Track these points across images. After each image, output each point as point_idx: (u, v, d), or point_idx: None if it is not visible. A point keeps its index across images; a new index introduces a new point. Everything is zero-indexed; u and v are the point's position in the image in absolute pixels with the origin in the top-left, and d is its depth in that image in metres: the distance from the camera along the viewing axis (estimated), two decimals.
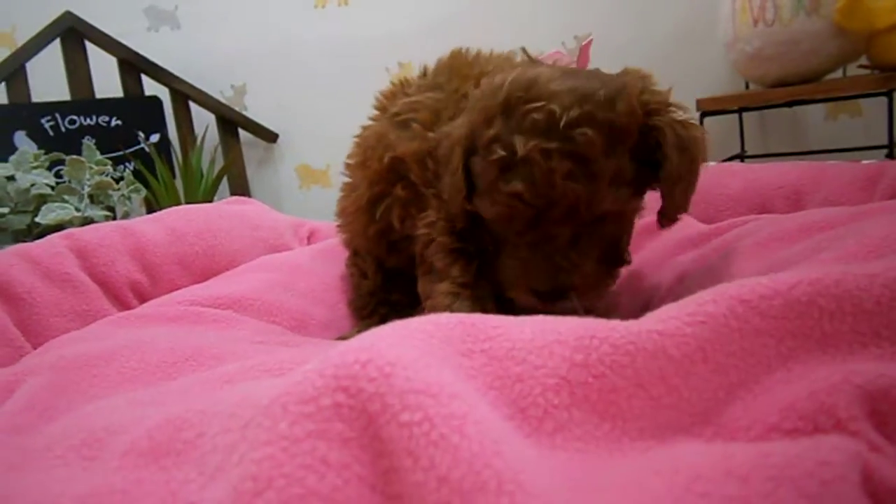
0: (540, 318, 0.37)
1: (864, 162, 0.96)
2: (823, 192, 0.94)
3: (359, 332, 0.84)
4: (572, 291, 0.60)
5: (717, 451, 0.27)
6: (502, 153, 0.58)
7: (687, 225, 1.00)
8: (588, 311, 0.59)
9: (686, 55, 1.99)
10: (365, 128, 0.91)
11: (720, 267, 0.71)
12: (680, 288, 0.75)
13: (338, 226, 1.00)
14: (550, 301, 0.60)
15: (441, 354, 0.32)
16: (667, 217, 0.66)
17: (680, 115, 0.64)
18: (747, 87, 1.77)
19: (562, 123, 0.56)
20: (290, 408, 0.28)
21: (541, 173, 0.57)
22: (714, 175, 1.12)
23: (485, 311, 0.69)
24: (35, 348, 0.85)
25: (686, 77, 1.97)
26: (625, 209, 0.64)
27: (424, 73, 0.88)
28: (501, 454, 0.24)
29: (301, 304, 0.97)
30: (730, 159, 1.80)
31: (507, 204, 0.59)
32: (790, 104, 1.50)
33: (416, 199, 0.78)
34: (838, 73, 1.57)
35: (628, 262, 0.72)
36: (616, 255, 0.67)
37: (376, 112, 0.91)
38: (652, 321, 0.34)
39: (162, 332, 0.80)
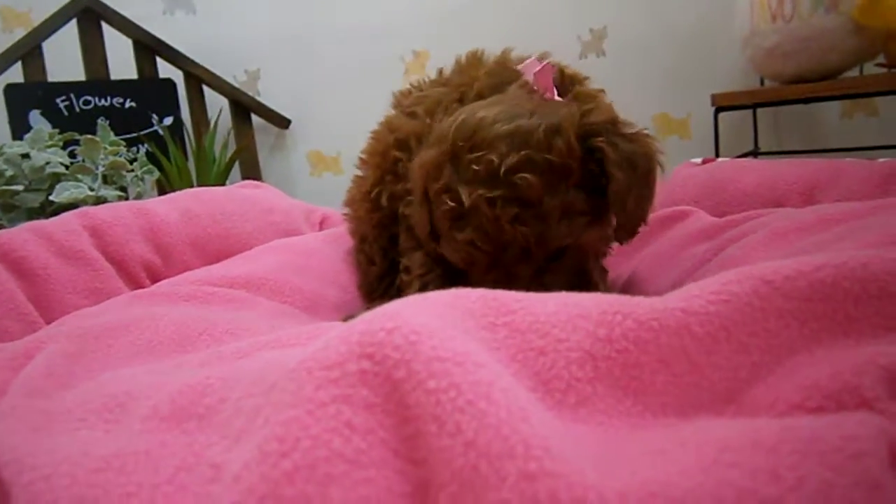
0: (562, 293, 0.37)
1: (880, 160, 0.96)
2: (838, 189, 0.93)
3: (364, 309, 0.86)
4: None
5: (742, 426, 0.27)
6: (452, 204, 0.60)
7: (700, 218, 1.00)
8: None
9: (701, 50, 1.98)
10: (380, 123, 0.93)
11: (736, 256, 0.70)
12: (695, 278, 0.75)
13: (344, 215, 1.01)
14: None
15: (463, 326, 0.33)
16: (624, 230, 0.67)
17: (626, 129, 0.65)
18: (762, 83, 1.76)
19: (502, 171, 0.58)
20: (316, 373, 0.28)
21: (488, 221, 0.59)
22: (727, 170, 1.11)
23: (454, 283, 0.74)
24: (48, 323, 0.87)
25: (701, 72, 1.97)
26: (583, 240, 0.63)
27: (439, 74, 0.91)
28: (529, 420, 0.24)
29: (313, 286, 0.97)
30: (743, 156, 1.79)
31: (463, 251, 0.62)
32: (806, 101, 1.49)
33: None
34: (855, 71, 1.56)
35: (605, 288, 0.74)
36: (586, 284, 0.67)
37: (392, 110, 0.93)
38: (675, 299, 0.34)
39: (175, 308, 0.81)
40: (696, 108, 1.96)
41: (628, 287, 0.93)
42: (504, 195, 0.58)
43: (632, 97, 2.06)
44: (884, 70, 1.49)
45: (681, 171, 1.23)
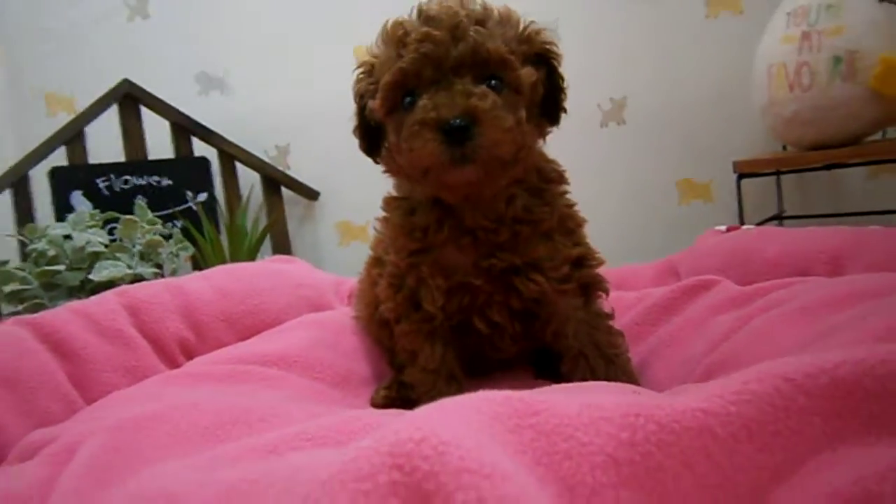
0: (583, 389, 0.38)
1: None
2: (865, 258, 0.93)
3: (391, 381, 0.89)
4: (479, 124, 0.62)
5: None
6: (405, 17, 0.68)
7: (726, 288, 1.00)
8: None
9: (721, 116, 2.01)
10: None
11: (763, 330, 0.70)
12: (721, 350, 0.75)
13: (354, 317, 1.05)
14: (459, 142, 0.62)
15: (490, 431, 0.34)
16: (556, 108, 0.75)
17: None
18: (784, 147, 1.77)
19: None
20: (349, 485, 0.29)
21: (447, 16, 0.65)
22: (752, 240, 1.12)
23: (460, 388, 0.76)
24: (87, 403, 0.89)
25: (722, 138, 2.00)
26: (519, 75, 0.67)
27: None
28: None
29: (343, 361, 0.99)
30: (768, 220, 1.78)
31: (415, 50, 0.64)
32: (829, 168, 1.49)
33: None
34: (878, 134, 1.57)
35: (561, 178, 0.79)
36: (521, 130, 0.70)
37: None
38: (696, 398, 0.35)
39: (210, 391, 0.83)
40: (719, 173, 1.97)
41: (656, 357, 0.92)
42: (461, 6, 0.66)
43: (653, 164, 2.12)
44: None
45: (705, 239, 1.23)
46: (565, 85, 0.75)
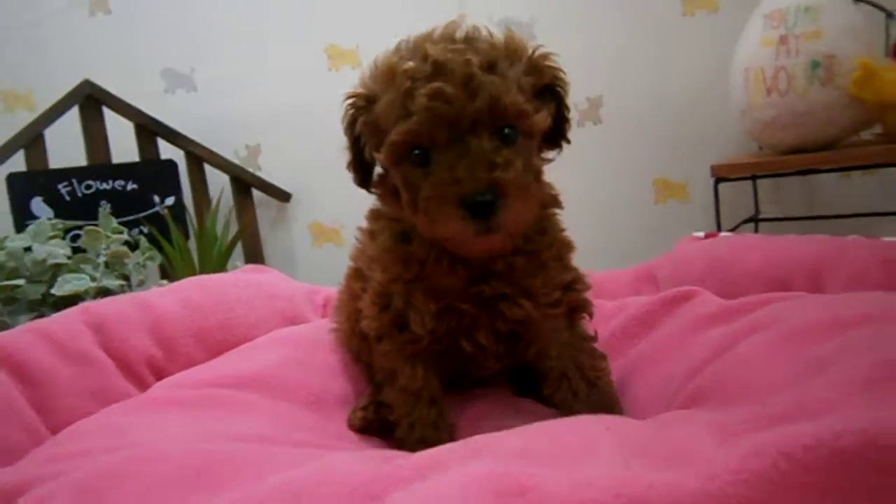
0: (572, 458, 0.36)
1: (885, 239, 0.95)
2: (844, 270, 0.92)
3: (368, 400, 0.86)
4: (504, 198, 0.59)
5: None
6: (411, 63, 0.60)
7: (706, 301, 0.99)
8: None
9: (698, 116, 2.01)
10: None
11: (748, 357, 0.69)
12: (705, 375, 0.73)
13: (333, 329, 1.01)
14: (484, 216, 0.59)
15: None
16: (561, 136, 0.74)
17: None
18: (760, 147, 1.77)
19: (463, 34, 0.64)
20: None
21: (458, 66, 0.59)
22: (731, 248, 1.11)
23: (441, 411, 0.76)
24: (50, 428, 0.85)
25: (698, 137, 2.00)
26: (534, 122, 0.64)
27: None
28: None
29: (318, 380, 0.96)
30: (744, 222, 1.79)
31: (425, 108, 0.59)
32: (805, 172, 1.50)
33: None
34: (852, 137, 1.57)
35: (556, 203, 0.76)
36: (536, 182, 0.68)
37: None
38: (694, 477, 0.33)
39: (178, 423, 0.80)
40: (695, 173, 1.97)
41: (636, 373, 0.91)
42: (470, 48, 0.61)
43: (630, 163, 2.11)
44: (881, 138, 1.50)
45: (684, 246, 1.22)
46: (570, 115, 0.73)
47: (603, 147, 2.03)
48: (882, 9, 1.55)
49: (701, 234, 1.24)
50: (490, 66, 0.61)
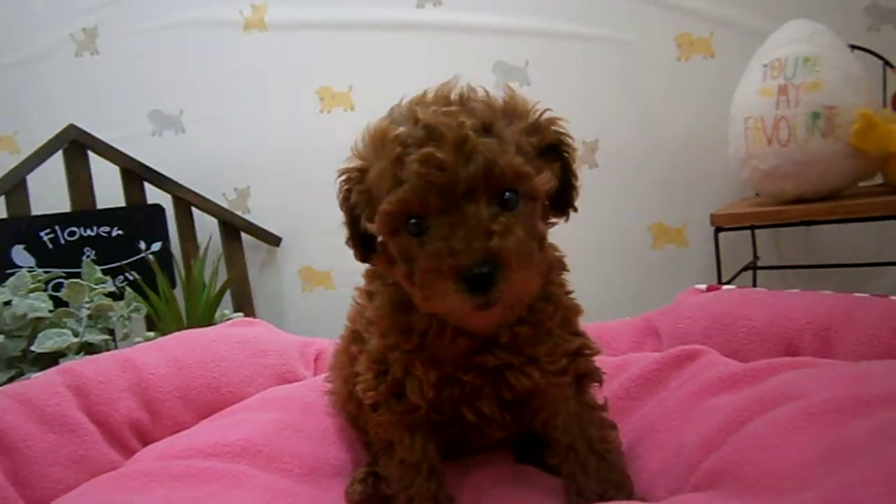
0: None
1: (892, 297, 0.94)
2: (854, 332, 0.90)
3: (366, 471, 0.82)
4: (503, 270, 0.55)
5: None
6: (401, 129, 0.58)
7: (713, 362, 0.96)
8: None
9: (695, 159, 2.00)
10: None
11: (767, 437, 0.66)
12: (722, 455, 0.70)
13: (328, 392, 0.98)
14: (482, 290, 0.55)
15: None
16: (568, 203, 0.69)
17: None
18: (757, 194, 1.77)
19: (457, 96, 0.60)
20: None
21: (450, 130, 0.56)
22: (737, 303, 1.09)
23: (440, 484, 0.74)
24: (28, 503, 0.81)
25: (696, 181, 2.00)
26: (535, 184, 0.60)
27: None
28: None
29: (312, 448, 0.92)
30: (744, 270, 1.78)
31: (417, 174, 0.55)
32: (807, 224, 1.49)
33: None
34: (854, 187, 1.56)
35: (562, 266, 0.73)
36: (539, 250, 0.64)
37: None
38: None
39: (163, 500, 0.75)
40: (693, 218, 1.97)
41: (644, 441, 0.88)
42: (464, 110, 0.58)
43: (626, 207, 2.09)
44: (882, 188, 1.51)
45: (686, 298, 1.20)
46: (578, 183, 0.68)
47: (599, 191, 2.01)
48: (880, 57, 1.57)
49: (703, 286, 1.21)
50: (486, 128, 0.57)
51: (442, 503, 0.74)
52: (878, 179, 1.54)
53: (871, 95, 1.45)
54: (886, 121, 1.37)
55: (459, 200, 0.56)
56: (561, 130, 0.66)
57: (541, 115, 0.64)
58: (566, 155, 0.66)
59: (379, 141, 0.60)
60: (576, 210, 0.69)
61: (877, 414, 0.60)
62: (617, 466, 0.74)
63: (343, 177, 0.66)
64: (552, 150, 0.65)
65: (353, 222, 0.66)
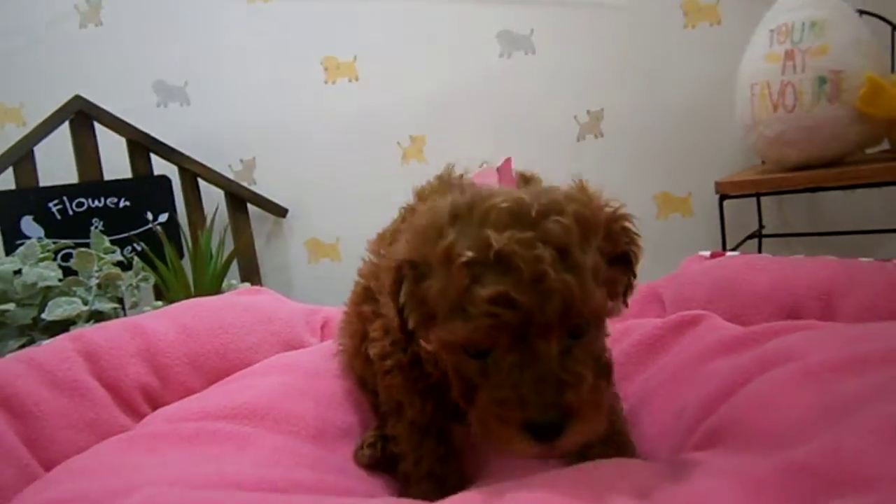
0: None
1: (894, 261, 0.94)
2: (857, 295, 0.91)
3: (375, 435, 0.83)
4: (574, 420, 0.52)
5: None
6: (470, 254, 0.51)
7: (715, 326, 0.97)
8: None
9: (701, 129, 1.99)
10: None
11: (766, 395, 0.66)
12: (721, 415, 0.71)
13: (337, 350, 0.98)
14: (550, 440, 0.52)
15: None
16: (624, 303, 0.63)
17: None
18: (763, 161, 1.76)
19: (533, 211, 0.52)
20: None
21: (526, 264, 0.50)
22: (739, 269, 1.09)
23: (449, 445, 0.74)
24: (42, 463, 0.82)
25: (701, 150, 1.99)
26: (605, 313, 0.57)
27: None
28: None
29: (319, 411, 0.93)
30: (749, 238, 1.77)
31: (487, 313, 0.50)
32: (812, 190, 1.48)
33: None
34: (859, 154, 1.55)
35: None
36: (606, 373, 0.62)
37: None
38: None
39: (173, 461, 0.77)
40: (698, 187, 1.96)
41: (646, 404, 0.89)
42: (540, 237, 0.51)
43: (631, 177, 2.09)
44: (888, 154, 1.49)
45: (689, 265, 1.20)
46: (636, 281, 0.64)
47: (604, 161, 2.02)
48: (888, 21, 1.54)
49: (707, 253, 1.21)
50: (563, 256, 0.52)
51: (450, 463, 0.75)
52: (885, 146, 1.53)
53: (879, 60, 1.43)
54: (893, 85, 1.36)
55: (528, 339, 0.52)
56: (632, 234, 0.61)
57: (614, 219, 0.59)
58: (633, 260, 0.62)
59: (443, 256, 0.53)
60: (627, 307, 0.64)
61: (873, 372, 0.60)
62: (621, 434, 0.74)
63: (396, 267, 0.59)
64: (622, 256, 0.61)
65: (400, 312, 0.60)
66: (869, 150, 1.56)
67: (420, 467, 0.74)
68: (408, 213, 0.77)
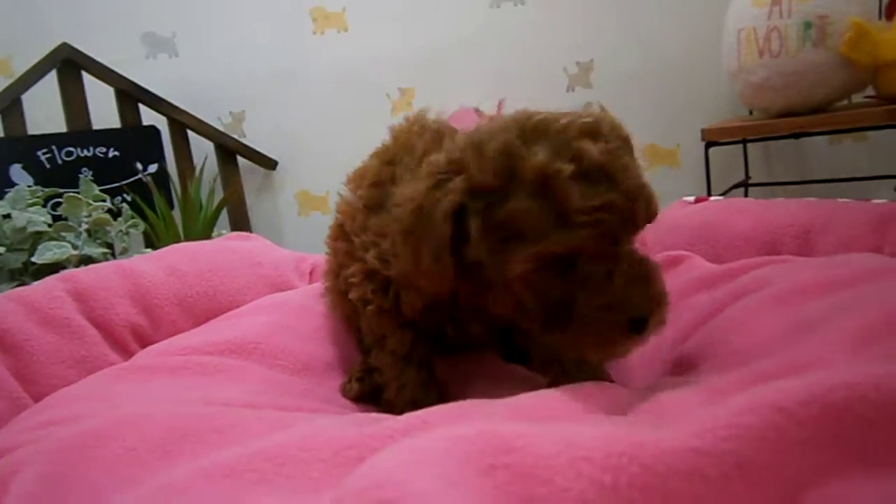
0: (561, 421, 0.35)
1: (874, 201, 0.95)
2: (834, 232, 0.92)
3: (362, 370, 0.85)
4: (655, 312, 0.56)
5: None
6: (571, 167, 0.52)
7: (695, 265, 0.99)
8: None
9: (689, 81, 1.99)
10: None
11: (739, 319, 0.69)
12: (694, 339, 0.73)
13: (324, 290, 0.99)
14: (645, 333, 0.56)
15: (460, 476, 0.31)
16: None
17: None
18: (750, 112, 1.76)
19: (604, 128, 0.56)
20: None
21: (621, 173, 0.53)
22: (721, 212, 1.10)
23: (430, 372, 0.76)
24: (33, 398, 0.84)
25: (689, 102, 1.98)
26: None
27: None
28: None
29: (306, 346, 0.95)
30: (734, 187, 1.78)
31: (593, 221, 0.52)
32: (796, 136, 1.49)
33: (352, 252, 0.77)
34: (844, 101, 1.56)
35: None
36: None
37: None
38: (684, 434, 0.32)
39: (163, 388, 0.79)
40: (685, 139, 1.96)
41: None
42: (620, 150, 0.56)
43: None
44: (872, 101, 1.49)
45: (674, 211, 1.21)
46: None
47: None
48: None
49: (691, 198, 1.23)
50: (635, 163, 0.57)
51: (432, 389, 0.77)
52: (870, 92, 1.53)
53: (866, 6, 1.43)
54: (879, 31, 1.36)
55: (619, 241, 0.55)
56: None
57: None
58: None
59: (538, 173, 0.54)
60: None
61: (838, 293, 0.62)
62: (597, 367, 0.75)
63: (452, 190, 0.57)
64: None
65: (451, 244, 0.58)
66: (854, 97, 1.56)
67: (402, 395, 0.76)
68: (381, 152, 0.78)
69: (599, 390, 0.58)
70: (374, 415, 0.64)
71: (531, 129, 0.56)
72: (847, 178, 1.65)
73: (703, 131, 1.54)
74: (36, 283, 1.03)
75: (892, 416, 0.32)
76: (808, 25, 1.35)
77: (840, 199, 1.01)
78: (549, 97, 2.08)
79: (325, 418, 0.59)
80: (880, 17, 1.47)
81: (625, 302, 0.54)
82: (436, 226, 0.57)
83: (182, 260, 1.15)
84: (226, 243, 1.31)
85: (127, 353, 0.98)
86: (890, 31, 1.38)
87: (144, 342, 1.02)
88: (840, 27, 1.35)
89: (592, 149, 0.53)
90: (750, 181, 1.86)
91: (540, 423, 0.35)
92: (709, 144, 1.56)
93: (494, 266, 0.58)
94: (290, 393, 0.82)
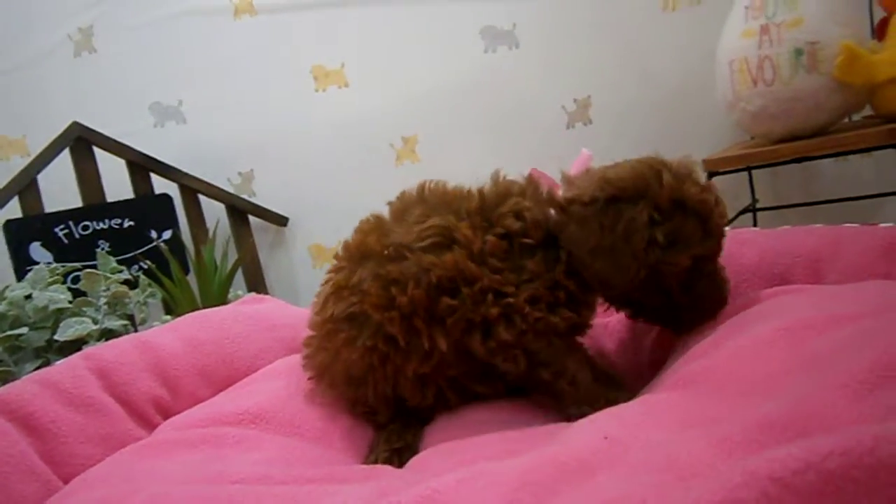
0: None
1: (882, 225, 0.95)
2: (842, 260, 0.92)
3: (384, 448, 0.87)
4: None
5: None
6: (713, 195, 0.83)
7: None
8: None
9: (688, 109, 2.00)
10: None
11: (742, 350, 0.68)
12: (700, 363, 0.73)
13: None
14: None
15: None
16: None
17: None
18: (752, 137, 1.76)
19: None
20: None
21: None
22: (727, 244, 1.10)
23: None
24: (62, 479, 0.85)
25: (690, 131, 1.99)
26: None
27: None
28: None
29: (322, 413, 0.96)
30: (742, 212, 1.78)
31: (721, 231, 0.85)
32: (799, 160, 1.49)
33: None
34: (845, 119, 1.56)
35: None
36: None
37: None
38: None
39: (182, 464, 0.80)
40: None
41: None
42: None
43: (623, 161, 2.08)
44: (871, 121, 1.49)
45: None
46: None
47: (595, 147, 2.00)
48: None
49: None
50: None
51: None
52: (868, 111, 1.53)
53: (856, 27, 1.44)
54: (872, 52, 1.36)
55: None
56: None
57: None
58: None
59: (696, 202, 0.79)
60: None
61: (846, 328, 0.62)
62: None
63: (643, 207, 0.78)
64: None
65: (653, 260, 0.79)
66: (855, 119, 1.56)
67: None
68: (372, 218, 0.94)
69: (609, 434, 0.58)
70: (385, 484, 0.64)
71: (677, 168, 0.81)
72: (856, 196, 1.64)
73: (705, 161, 1.54)
74: (59, 362, 1.05)
75: (886, 480, 0.33)
76: (798, 52, 1.36)
77: (847, 225, 1.01)
78: (551, 134, 2.11)
79: (346, 489, 0.60)
80: (873, 37, 1.48)
81: (724, 287, 0.86)
82: (639, 231, 0.77)
83: (198, 329, 1.16)
84: (240, 308, 1.32)
85: (150, 426, 1.00)
86: (883, 50, 1.38)
87: (166, 413, 1.03)
88: (831, 52, 1.35)
89: (711, 183, 0.83)
90: (757, 205, 1.85)
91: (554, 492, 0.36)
92: (711, 174, 1.56)
93: (664, 263, 0.79)
94: (307, 462, 0.83)
